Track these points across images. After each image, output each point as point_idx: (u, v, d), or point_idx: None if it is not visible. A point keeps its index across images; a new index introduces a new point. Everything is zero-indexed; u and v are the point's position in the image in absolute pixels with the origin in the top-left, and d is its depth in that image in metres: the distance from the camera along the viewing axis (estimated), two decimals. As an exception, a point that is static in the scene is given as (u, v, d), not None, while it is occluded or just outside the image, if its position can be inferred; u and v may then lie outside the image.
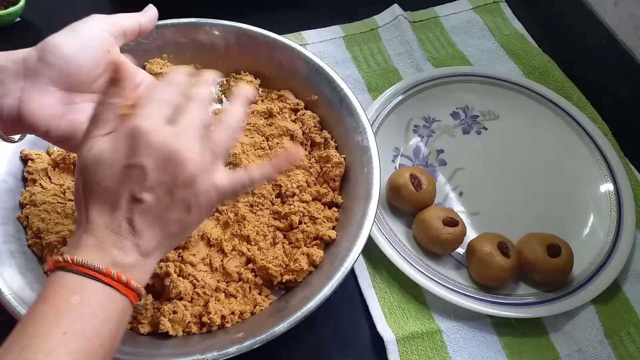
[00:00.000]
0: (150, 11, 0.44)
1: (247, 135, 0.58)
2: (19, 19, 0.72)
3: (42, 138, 0.40)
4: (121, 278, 0.33)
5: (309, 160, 0.57)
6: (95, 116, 0.36)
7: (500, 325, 0.54)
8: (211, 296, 0.47)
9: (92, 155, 0.34)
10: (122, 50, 0.43)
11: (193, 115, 0.37)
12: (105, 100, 0.36)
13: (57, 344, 0.30)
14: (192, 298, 0.47)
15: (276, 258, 0.50)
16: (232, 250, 0.51)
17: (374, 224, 0.50)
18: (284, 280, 0.49)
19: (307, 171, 0.56)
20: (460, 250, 0.57)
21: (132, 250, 0.34)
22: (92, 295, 0.33)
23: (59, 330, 0.31)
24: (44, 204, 0.51)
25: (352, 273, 0.56)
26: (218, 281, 0.49)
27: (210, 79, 0.40)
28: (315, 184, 0.56)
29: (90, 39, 0.40)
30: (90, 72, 0.40)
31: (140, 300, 0.36)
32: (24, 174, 0.53)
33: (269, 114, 0.60)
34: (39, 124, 0.38)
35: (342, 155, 0.56)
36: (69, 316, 0.31)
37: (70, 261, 0.33)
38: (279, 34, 0.61)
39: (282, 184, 0.54)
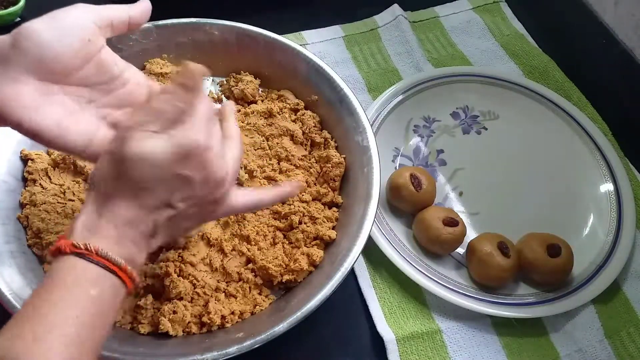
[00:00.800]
0: (142, 4, 0.41)
1: (247, 135, 0.58)
2: (19, 19, 0.71)
3: (16, 130, 0.37)
4: (133, 275, 0.34)
5: (309, 160, 0.57)
6: (154, 110, 0.35)
7: (500, 325, 0.54)
8: (211, 296, 0.47)
9: (142, 150, 0.33)
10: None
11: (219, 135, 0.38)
12: (172, 100, 0.35)
13: (73, 330, 0.31)
14: (192, 298, 0.47)
15: (276, 258, 0.50)
16: (232, 250, 0.51)
17: (374, 224, 0.50)
18: (284, 280, 0.49)
19: (307, 171, 0.56)
20: (460, 250, 0.57)
21: (144, 249, 0.36)
22: (108, 290, 0.33)
23: (74, 317, 0.31)
24: (44, 204, 0.51)
25: (352, 273, 0.56)
26: (218, 281, 0.49)
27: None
28: (315, 184, 0.56)
29: (70, 26, 0.37)
30: (68, 61, 0.37)
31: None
32: (24, 174, 0.53)
33: (269, 114, 0.60)
34: (10, 115, 0.35)
35: (342, 155, 0.56)
36: (88, 307, 0.32)
37: (93, 251, 0.33)
38: (279, 34, 0.61)
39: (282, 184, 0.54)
